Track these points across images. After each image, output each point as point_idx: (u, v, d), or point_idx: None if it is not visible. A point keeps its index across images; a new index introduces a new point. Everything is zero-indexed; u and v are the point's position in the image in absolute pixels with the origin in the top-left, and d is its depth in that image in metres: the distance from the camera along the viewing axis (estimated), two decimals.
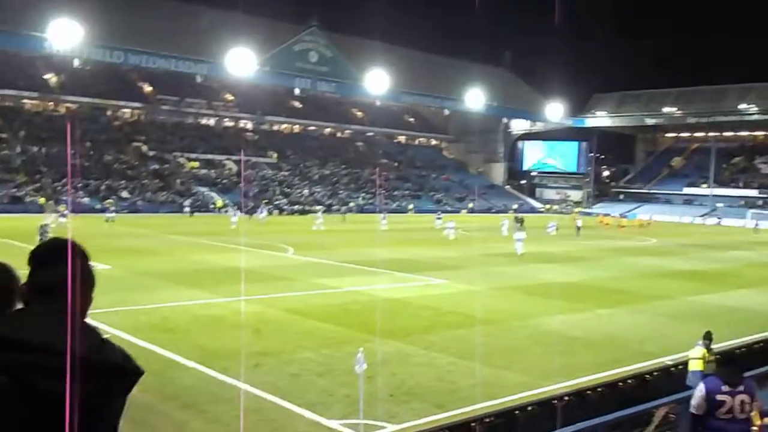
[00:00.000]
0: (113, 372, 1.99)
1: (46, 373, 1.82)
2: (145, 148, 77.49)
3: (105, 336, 2.06)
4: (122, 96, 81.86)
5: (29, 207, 55.82)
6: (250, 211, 60.80)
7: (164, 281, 22.94)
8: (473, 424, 9.08)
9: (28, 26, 60.58)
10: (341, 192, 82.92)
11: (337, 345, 14.84)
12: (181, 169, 76.40)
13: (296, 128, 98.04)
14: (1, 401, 1.81)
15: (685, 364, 12.14)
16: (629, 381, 11.89)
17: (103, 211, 54.91)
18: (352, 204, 77.81)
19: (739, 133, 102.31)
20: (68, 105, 79.11)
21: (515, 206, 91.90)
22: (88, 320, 2.09)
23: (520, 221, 51.91)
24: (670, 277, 28.78)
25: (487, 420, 9.30)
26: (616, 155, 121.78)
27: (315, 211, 61.98)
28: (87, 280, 2.14)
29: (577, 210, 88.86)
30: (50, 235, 32.09)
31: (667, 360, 13.89)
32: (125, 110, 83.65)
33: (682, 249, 42.83)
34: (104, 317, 15.54)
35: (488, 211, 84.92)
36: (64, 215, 35.57)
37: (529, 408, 9.92)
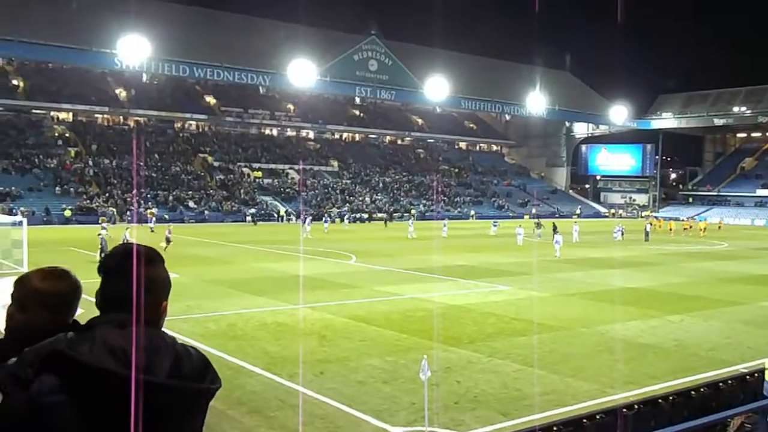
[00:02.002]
0: (190, 395, 1.91)
1: (113, 395, 1.76)
2: (210, 159, 79.36)
3: (181, 344, 1.99)
4: (188, 108, 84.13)
5: (101, 218, 57.71)
6: (304, 219, 61.17)
7: (231, 289, 23.38)
8: None
9: (98, 43, 63.00)
10: (402, 199, 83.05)
11: (402, 352, 14.85)
12: (245, 179, 77.89)
13: (357, 136, 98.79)
14: (60, 421, 1.77)
15: (762, 372, 11.70)
16: (702, 389, 11.51)
17: (175, 220, 56.48)
18: (413, 211, 77.78)
19: None
20: (137, 118, 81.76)
21: (578, 210, 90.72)
22: (164, 330, 2.03)
23: (540, 226, 51.35)
24: (743, 281, 27.83)
25: (555, 428, 9.13)
26: (683, 157, 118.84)
27: (379, 219, 61.67)
28: (158, 288, 2.03)
29: (646, 214, 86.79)
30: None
31: (742, 368, 13.43)
32: (191, 122, 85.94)
33: (755, 252, 41.43)
34: (173, 325, 15.95)
35: (552, 216, 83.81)
36: (104, 228, 34.40)
37: (598, 417, 9.72)
